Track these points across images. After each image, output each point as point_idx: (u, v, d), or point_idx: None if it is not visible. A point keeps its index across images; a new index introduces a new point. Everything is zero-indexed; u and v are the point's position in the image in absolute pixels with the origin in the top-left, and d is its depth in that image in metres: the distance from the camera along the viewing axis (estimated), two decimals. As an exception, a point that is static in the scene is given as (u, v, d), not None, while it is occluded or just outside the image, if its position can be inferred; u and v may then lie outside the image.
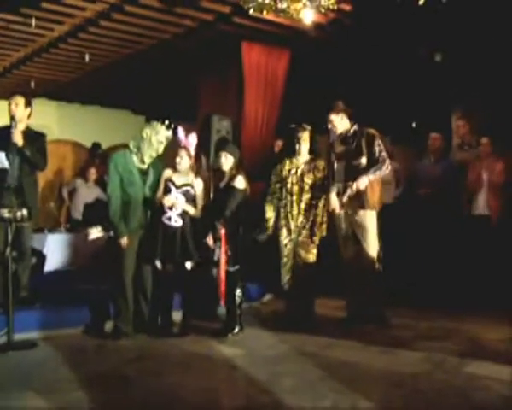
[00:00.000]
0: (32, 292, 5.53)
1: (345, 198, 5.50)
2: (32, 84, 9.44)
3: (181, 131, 5.42)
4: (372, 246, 5.53)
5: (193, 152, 5.44)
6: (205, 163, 6.85)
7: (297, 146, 5.68)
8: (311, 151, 5.71)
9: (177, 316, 5.47)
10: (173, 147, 5.50)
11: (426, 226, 6.77)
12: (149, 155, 5.30)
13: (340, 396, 3.68)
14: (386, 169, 5.49)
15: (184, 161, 5.31)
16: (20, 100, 5.37)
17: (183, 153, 5.33)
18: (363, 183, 5.42)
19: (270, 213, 5.73)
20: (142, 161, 5.32)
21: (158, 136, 5.27)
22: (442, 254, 6.62)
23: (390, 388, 3.88)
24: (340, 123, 5.65)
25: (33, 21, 6.67)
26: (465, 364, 4.35)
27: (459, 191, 6.99)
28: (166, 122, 5.32)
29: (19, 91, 5.86)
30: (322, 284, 5.80)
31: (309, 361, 4.48)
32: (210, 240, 5.40)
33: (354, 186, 5.43)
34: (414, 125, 9.44)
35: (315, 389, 3.83)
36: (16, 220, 4.86)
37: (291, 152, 5.76)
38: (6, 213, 4.82)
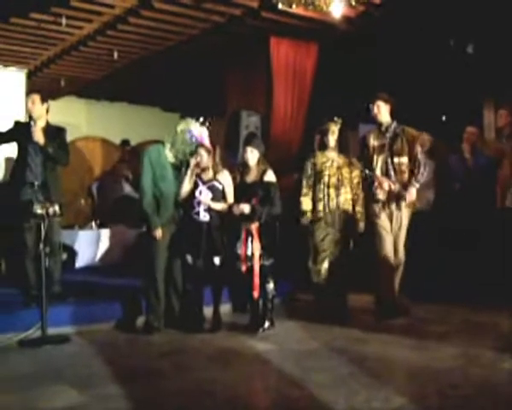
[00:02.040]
0: (65, 287, 5.58)
1: (401, 205, 5.63)
2: (62, 82, 9.54)
3: (195, 130, 5.36)
4: (403, 240, 5.70)
5: (209, 145, 5.41)
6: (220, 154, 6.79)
7: (326, 138, 5.67)
8: (339, 147, 5.69)
9: (208, 311, 5.47)
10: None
11: (459, 220, 6.67)
12: (182, 151, 5.30)
13: (373, 392, 3.63)
14: (425, 172, 5.67)
15: (204, 158, 5.29)
16: (36, 97, 5.40)
17: (201, 151, 5.31)
18: (413, 194, 5.62)
19: (306, 206, 5.68)
20: (176, 157, 5.33)
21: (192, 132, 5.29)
22: (475, 247, 6.52)
23: (424, 383, 3.81)
24: (385, 112, 5.74)
25: (63, 20, 6.74)
26: (502, 360, 4.25)
27: (494, 185, 6.86)
28: (201, 119, 5.32)
29: (33, 89, 5.89)
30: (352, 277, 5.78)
31: (340, 356, 4.45)
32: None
33: (407, 199, 5.58)
34: (444, 118, 9.30)
35: (347, 385, 3.79)
36: (48, 216, 4.92)
37: (320, 145, 5.75)
38: (39, 210, 4.88)
